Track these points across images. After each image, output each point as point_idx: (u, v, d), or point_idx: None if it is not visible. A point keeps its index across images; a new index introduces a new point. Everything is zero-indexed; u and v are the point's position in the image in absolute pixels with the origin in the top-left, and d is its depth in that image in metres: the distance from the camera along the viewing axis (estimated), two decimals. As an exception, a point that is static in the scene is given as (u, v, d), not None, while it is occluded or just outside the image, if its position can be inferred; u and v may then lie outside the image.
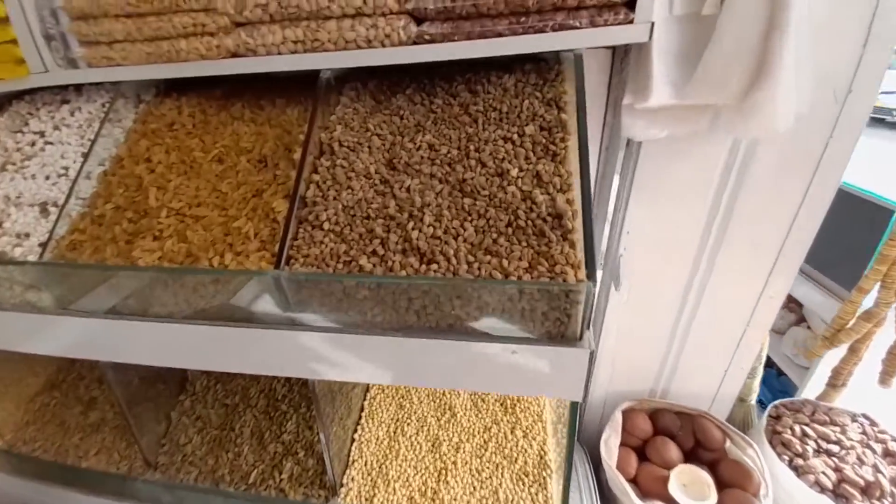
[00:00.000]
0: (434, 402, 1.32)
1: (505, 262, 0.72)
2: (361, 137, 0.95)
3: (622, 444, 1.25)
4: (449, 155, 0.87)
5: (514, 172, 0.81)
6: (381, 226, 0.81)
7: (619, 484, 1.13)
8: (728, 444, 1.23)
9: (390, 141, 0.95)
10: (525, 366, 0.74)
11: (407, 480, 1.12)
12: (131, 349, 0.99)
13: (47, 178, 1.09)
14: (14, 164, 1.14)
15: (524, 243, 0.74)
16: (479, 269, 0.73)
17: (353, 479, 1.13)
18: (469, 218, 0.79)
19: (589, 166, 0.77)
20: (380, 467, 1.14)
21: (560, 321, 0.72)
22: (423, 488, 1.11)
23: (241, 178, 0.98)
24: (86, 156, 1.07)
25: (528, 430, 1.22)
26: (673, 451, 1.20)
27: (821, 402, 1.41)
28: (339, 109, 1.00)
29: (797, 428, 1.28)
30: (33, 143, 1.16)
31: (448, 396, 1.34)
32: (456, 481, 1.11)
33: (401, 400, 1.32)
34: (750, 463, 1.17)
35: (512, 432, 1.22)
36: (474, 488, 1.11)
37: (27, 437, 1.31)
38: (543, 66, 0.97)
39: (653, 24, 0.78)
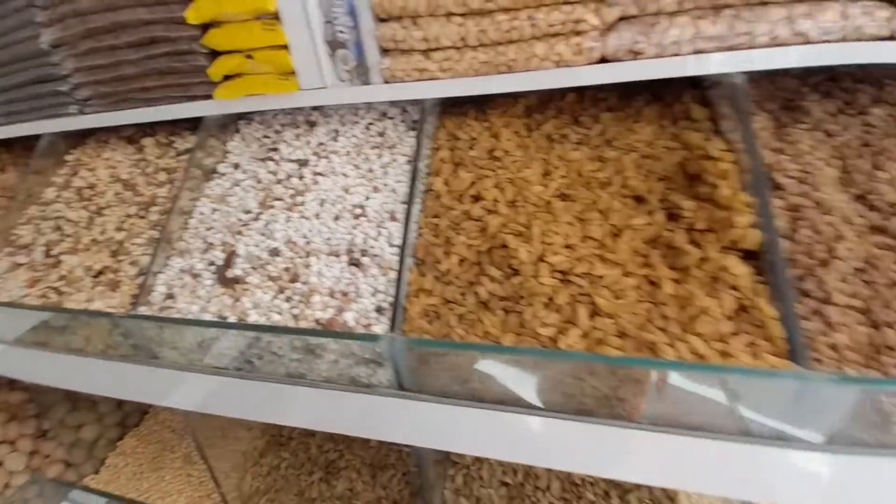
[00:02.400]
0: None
1: None
2: (809, 165, 0.70)
3: None
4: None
5: None
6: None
7: None
8: None
9: (841, 167, 0.70)
10: None
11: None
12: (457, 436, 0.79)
13: (336, 218, 0.90)
14: (281, 200, 0.96)
15: None
16: None
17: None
18: None
19: None
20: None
21: None
22: None
23: (618, 221, 0.75)
24: (410, 194, 0.85)
25: None
26: None
27: None
28: (763, 126, 0.75)
29: None
30: (300, 176, 0.97)
31: None
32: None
33: None
34: None
35: None
36: None
37: None
38: None
39: None
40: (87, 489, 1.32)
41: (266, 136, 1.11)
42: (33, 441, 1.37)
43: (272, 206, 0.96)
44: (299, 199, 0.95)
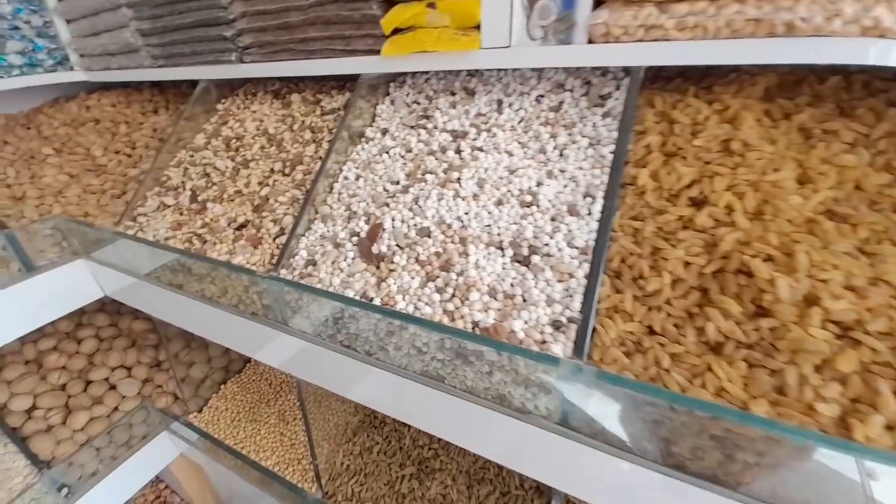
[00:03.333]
0: None
1: None
2: None
3: None
4: None
5: None
6: None
7: None
8: None
9: None
10: None
11: None
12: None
13: (499, 203, 0.76)
14: (433, 174, 0.84)
15: None
16: None
17: None
18: None
19: None
20: None
21: None
22: None
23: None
24: (611, 186, 0.68)
25: None
26: None
27: None
28: None
29: None
30: (457, 150, 0.85)
31: None
32: None
33: None
34: None
35: None
36: None
37: (349, 490, 1.10)
38: None
39: None
40: (189, 425, 1.39)
41: (416, 102, 1.01)
42: (148, 370, 1.47)
43: (423, 180, 0.84)
44: (454, 174, 0.82)
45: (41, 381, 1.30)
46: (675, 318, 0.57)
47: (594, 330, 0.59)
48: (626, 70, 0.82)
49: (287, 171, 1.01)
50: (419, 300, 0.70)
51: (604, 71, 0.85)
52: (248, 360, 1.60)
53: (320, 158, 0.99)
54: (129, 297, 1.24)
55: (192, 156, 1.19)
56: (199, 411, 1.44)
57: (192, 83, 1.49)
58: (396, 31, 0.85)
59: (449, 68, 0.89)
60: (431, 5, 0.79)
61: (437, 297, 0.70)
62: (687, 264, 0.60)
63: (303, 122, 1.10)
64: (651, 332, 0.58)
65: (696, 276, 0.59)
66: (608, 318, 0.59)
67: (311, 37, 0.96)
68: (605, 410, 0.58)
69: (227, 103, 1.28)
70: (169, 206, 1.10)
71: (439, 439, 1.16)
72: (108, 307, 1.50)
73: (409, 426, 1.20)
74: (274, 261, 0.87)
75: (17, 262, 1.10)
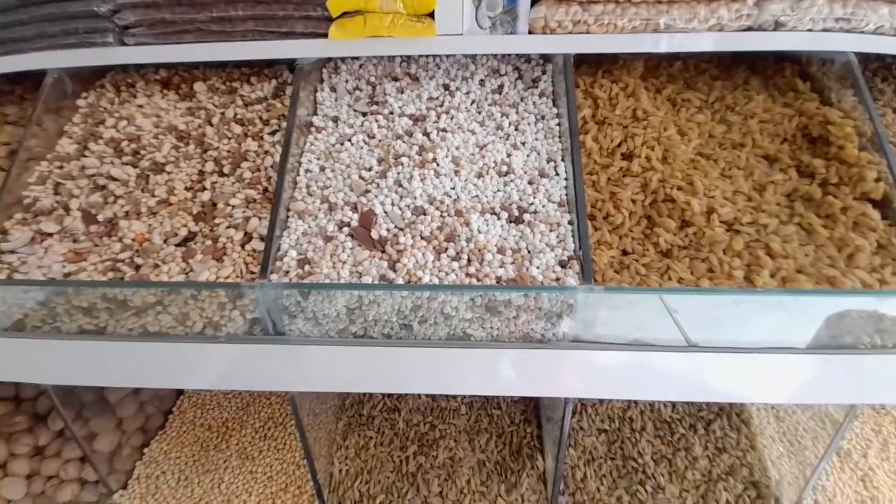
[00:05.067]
0: None
1: None
2: (906, 131, 0.85)
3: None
4: None
5: None
6: None
7: None
8: None
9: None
10: None
11: None
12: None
13: (480, 175, 0.85)
14: (408, 157, 0.87)
15: None
16: None
17: None
18: None
19: None
20: None
21: None
22: None
23: (758, 178, 0.84)
24: (572, 151, 0.82)
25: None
26: None
27: None
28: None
29: None
30: (425, 132, 0.90)
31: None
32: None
33: None
34: None
35: None
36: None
37: (356, 493, 1.07)
38: None
39: None
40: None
41: (358, 88, 1.00)
42: (29, 461, 1.10)
43: (399, 164, 0.88)
44: (429, 155, 0.88)
45: None
46: (637, 240, 0.79)
47: (593, 261, 0.76)
48: (545, 57, 1.01)
49: (226, 170, 0.89)
50: (440, 271, 0.76)
51: (527, 58, 1.02)
52: (169, 411, 1.33)
53: (267, 153, 0.90)
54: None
55: (61, 167, 0.91)
56: (125, 487, 1.15)
57: (11, 78, 1.12)
58: (347, 13, 0.84)
59: (403, 53, 0.93)
60: (387, -8, 0.81)
61: (455, 264, 0.77)
62: (633, 201, 0.81)
63: (222, 114, 0.96)
64: (624, 252, 0.78)
65: (641, 207, 0.81)
66: (598, 250, 0.77)
67: (232, 16, 0.86)
68: (609, 318, 0.77)
69: (89, 98, 1.01)
70: (51, 235, 0.84)
71: (432, 411, 1.22)
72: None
73: (399, 411, 1.22)
74: (253, 268, 0.78)
75: None
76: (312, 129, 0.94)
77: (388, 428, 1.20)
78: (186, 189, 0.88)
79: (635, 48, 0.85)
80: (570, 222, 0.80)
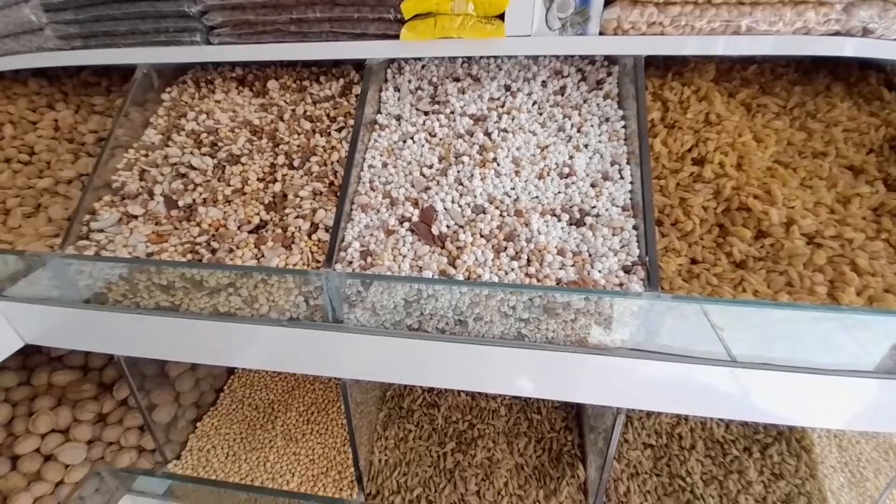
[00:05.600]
0: None
1: None
2: None
3: None
4: None
5: None
6: None
7: None
8: None
9: None
10: None
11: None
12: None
13: (540, 177, 0.85)
14: (468, 157, 0.88)
15: None
16: None
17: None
18: None
19: None
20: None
21: None
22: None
23: (843, 189, 0.79)
24: (641, 154, 0.80)
25: None
26: None
27: None
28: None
29: None
30: (486, 132, 0.90)
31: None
32: None
33: None
34: None
35: None
36: None
37: (394, 483, 1.09)
38: None
39: None
40: (171, 475, 1.18)
41: (420, 88, 1.03)
42: (92, 427, 1.19)
43: (460, 162, 0.89)
44: (489, 155, 0.88)
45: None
46: (708, 249, 0.75)
47: (660, 267, 0.73)
48: (610, 59, 0.99)
49: (296, 164, 0.93)
50: (499, 269, 0.76)
51: (591, 60, 1.01)
52: (221, 389, 1.41)
53: (334, 148, 0.94)
54: (70, 339, 0.99)
55: (146, 155, 0.99)
56: (178, 458, 1.22)
57: (98, 71, 1.23)
58: (420, 14, 0.86)
59: (471, 54, 0.94)
60: (460, -7, 0.83)
61: (514, 264, 0.77)
62: (705, 208, 0.78)
63: (293, 111, 1.01)
64: (693, 261, 0.75)
65: (713, 215, 0.78)
66: (665, 257, 0.74)
67: (310, 17, 0.90)
68: (671, 328, 0.74)
69: (173, 92, 1.08)
70: (136, 217, 0.91)
71: (471, 410, 1.22)
72: (10, 363, 1.15)
73: (439, 408, 1.23)
74: (318, 257, 0.82)
75: None
76: (376, 126, 0.97)
77: (426, 423, 1.21)
78: (259, 180, 0.93)
79: (712, 50, 0.82)
80: (634, 227, 0.78)
